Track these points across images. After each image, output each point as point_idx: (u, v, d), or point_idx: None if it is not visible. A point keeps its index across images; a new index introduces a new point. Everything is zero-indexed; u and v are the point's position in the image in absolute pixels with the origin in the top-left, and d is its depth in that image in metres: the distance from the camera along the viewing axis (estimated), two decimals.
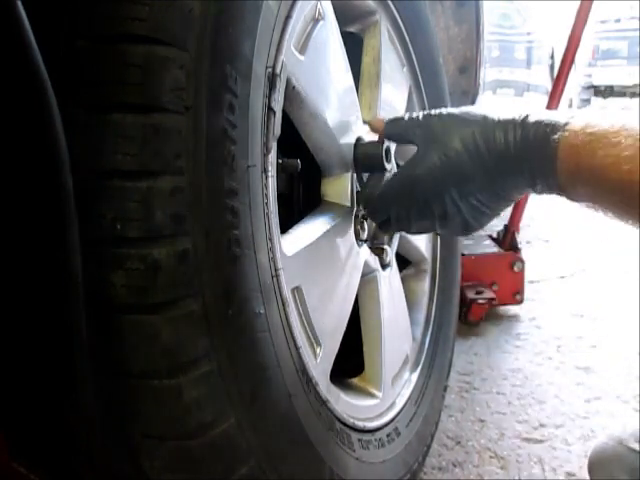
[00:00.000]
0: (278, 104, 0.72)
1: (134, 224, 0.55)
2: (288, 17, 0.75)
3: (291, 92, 0.78)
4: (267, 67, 0.69)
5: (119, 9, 0.54)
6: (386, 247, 1.11)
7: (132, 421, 0.59)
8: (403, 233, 1.18)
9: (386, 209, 0.85)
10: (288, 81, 0.76)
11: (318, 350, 0.83)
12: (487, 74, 2.11)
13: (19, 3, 0.47)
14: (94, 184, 0.54)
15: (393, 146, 1.13)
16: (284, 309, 0.73)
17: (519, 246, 2.28)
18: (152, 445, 0.60)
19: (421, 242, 1.32)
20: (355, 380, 1.06)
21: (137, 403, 0.58)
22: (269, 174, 0.70)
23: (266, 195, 0.70)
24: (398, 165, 1.22)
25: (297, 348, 0.75)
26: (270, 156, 0.71)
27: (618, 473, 0.96)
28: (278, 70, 0.72)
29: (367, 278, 1.05)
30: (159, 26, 0.55)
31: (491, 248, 2.30)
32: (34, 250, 0.53)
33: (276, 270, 0.71)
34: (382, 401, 1.06)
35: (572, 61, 2.23)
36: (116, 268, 0.55)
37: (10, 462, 0.61)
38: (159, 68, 0.55)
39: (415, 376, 1.22)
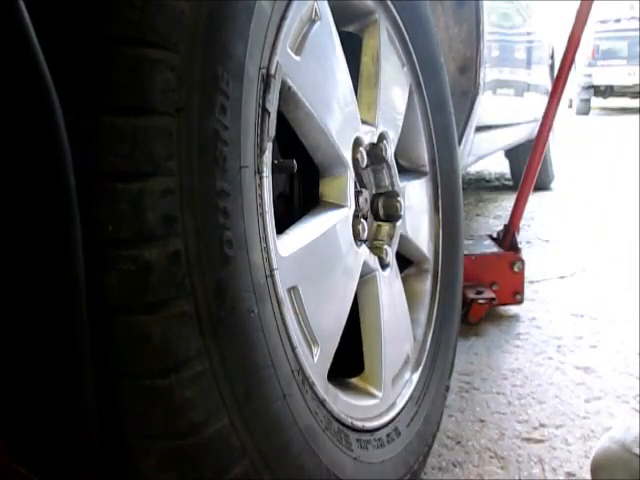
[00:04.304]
0: (273, 105, 0.72)
1: (125, 225, 0.55)
2: (283, 18, 0.75)
3: (287, 93, 0.78)
4: (261, 68, 0.70)
5: (110, 11, 0.55)
6: (386, 247, 1.11)
7: (126, 421, 0.59)
8: (403, 232, 1.18)
9: None
10: (284, 82, 0.76)
11: (315, 350, 0.83)
12: (487, 74, 2.10)
13: (22, 5, 0.47)
14: (86, 186, 0.54)
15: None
16: (279, 309, 0.73)
17: (519, 246, 2.27)
18: (146, 444, 0.60)
19: (422, 241, 1.32)
20: (355, 380, 1.06)
21: (131, 403, 0.58)
22: (263, 175, 0.70)
23: (260, 196, 0.70)
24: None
25: (293, 348, 0.75)
26: (265, 157, 0.71)
27: (622, 478, 0.96)
28: (272, 71, 0.72)
29: (367, 278, 1.05)
30: (150, 28, 0.55)
31: (491, 248, 2.29)
32: (37, 251, 0.53)
33: (271, 270, 0.71)
34: (382, 401, 1.05)
35: (572, 61, 2.23)
36: (108, 269, 0.55)
37: (10, 462, 0.61)
38: (150, 70, 0.55)
39: (416, 376, 1.21)
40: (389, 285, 1.11)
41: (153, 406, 0.59)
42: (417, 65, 1.27)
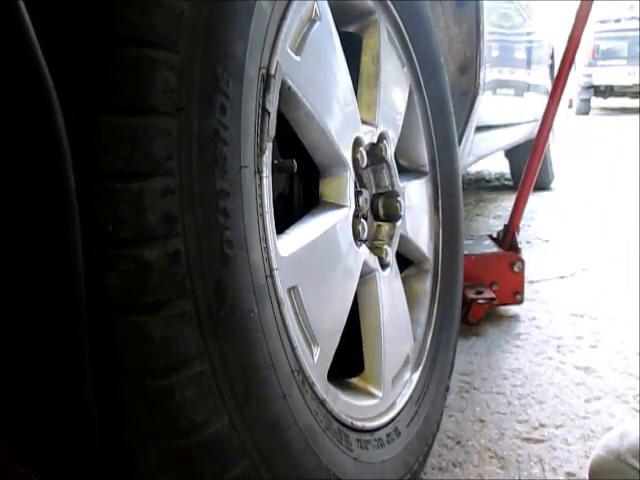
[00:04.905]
0: (273, 105, 0.72)
1: (125, 225, 0.55)
2: (283, 18, 0.75)
3: (287, 93, 0.78)
4: (261, 68, 0.70)
5: (110, 11, 0.55)
6: (386, 247, 1.11)
7: (126, 421, 0.59)
8: (403, 232, 1.18)
9: None
10: (284, 82, 0.76)
11: (315, 350, 0.83)
12: (487, 74, 2.10)
13: (22, 5, 0.47)
14: (86, 186, 0.54)
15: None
16: (279, 309, 0.73)
17: (519, 246, 2.27)
18: (146, 444, 0.60)
19: (423, 241, 1.32)
20: (355, 380, 1.06)
21: (131, 403, 0.58)
22: (263, 175, 0.70)
23: (260, 196, 0.70)
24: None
25: (293, 348, 0.75)
26: (264, 157, 0.71)
27: None
28: (272, 71, 0.72)
29: (366, 278, 1.05)
30: (150, 28, 0.56)
31: (491, 248, 2.29)
32: (37, 251, 0.53)
33: (271, 270, 0.71)
34: (382, 401, 1.06)
35: (572, 61, 2.23)
36: (108, 269, 0.55)
37: (10, 462, 0.61)
38: (150, 70, 0.55)
39: (416, 376, 1.21)
40: (389, 285, 1.11)
41: (153, 406, 0.59)
42: (417, 65, 1.27)
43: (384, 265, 1.10)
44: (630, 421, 1.34)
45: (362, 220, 1.00)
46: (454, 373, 1.49)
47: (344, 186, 0.95)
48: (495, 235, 2.41)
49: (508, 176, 4.95)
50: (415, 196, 1.28)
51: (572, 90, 12.98)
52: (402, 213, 1.13)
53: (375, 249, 1.09)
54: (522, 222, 2.42)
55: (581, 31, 2.19)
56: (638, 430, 1.01)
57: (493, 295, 2.09)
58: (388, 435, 1.03)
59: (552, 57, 4.41)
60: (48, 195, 0.51)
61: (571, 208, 4.11)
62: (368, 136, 1.05)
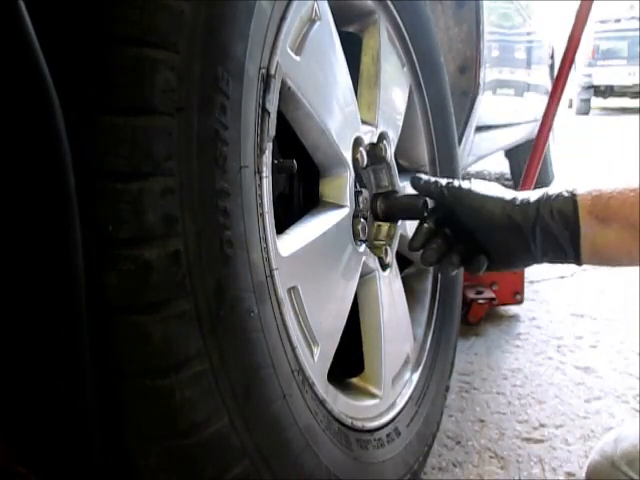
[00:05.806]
0: (273, 105, 0.72)
1: (125, 225, 0.55)
2: (283, 18, 0.75)
3: (287, 93, 0.78)
4: (261, 68, 0.70)
5: (110, 11, 0.55)
6: (386, 247, 1.11)
7: (126, 421, 0.59)
8: (403, 232, 1.18)
9: None
10: (283, 82, 0.76)
11: (315, 350, 0.83)
12: (487, 74, 2.10)
13: (22, 5, 0.47)
14: (86, 186, 0.54)
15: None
16: (279, 309, 0.73)
17: None
18: (146, 445, 0.60)
19: None
20: (355, 380, 1.06)
21: (131, 403, 0.58)
22: (263, 175, 0.70)
23: (260, 196, 0.70)
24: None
25: (293, 348, 0.75)
26: (264, 157, 0.71)
27: None
28: (272, 71, 0.72)
29: (366, 278, 1.05)
30: (150, 28, 0.55)
31: None
32: (37, 251, 0.53)
33: (270, 270, 0.71)
34: (382, 401, 1.06)
35: (572, 61, 2.23)
36: (108, 269, 0.55)
37: (10, 462, 0.61)
38: (150, 70, 0.55)
39: (416, 376, 1.21)
40: (389, 285, 1.11)
41: (153, 406, 0.59)
42: (417, 65, 1.27)
43: (384, 265, 1.10)
44: (629, 422, 1.33)
45: (362, 220, 1.00)
46: (454, 373, 1.49)
47: (344, 186, 0.95)
48: None
49: (508, 176, 4.94)
50: None
51: (572, 90, 13.01)
52: None
53: (375, 249, 1.09)
54: None
55: (581, 31, 2.19)
56: (633, 435, 1.00)
57: (493, 295, 2.09)
58: (388, 435, 1.03)
59: (552, 57, 4.40)
60: (48, 195, 0.51)
61: None
62: (368, 136, 1.05)
